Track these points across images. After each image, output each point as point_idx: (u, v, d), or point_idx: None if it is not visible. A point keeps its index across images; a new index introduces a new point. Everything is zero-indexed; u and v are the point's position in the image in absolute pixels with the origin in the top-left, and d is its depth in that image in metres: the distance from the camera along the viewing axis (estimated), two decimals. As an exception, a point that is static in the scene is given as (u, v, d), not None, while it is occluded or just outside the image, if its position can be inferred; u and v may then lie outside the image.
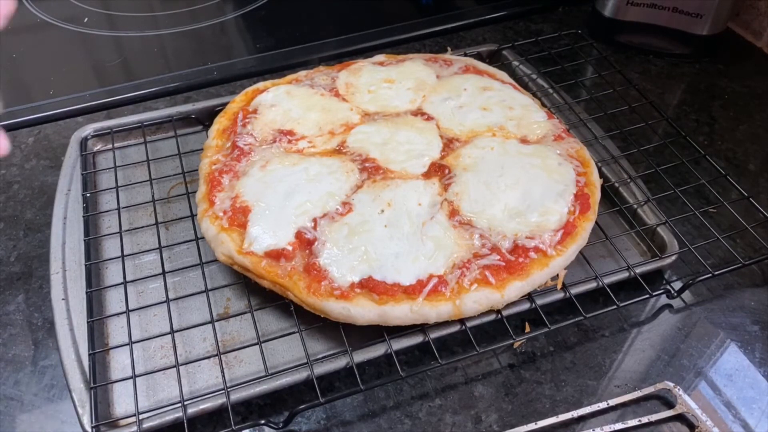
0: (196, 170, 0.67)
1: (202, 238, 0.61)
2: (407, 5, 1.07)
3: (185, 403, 0.50)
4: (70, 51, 0.96)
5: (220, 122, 0.71)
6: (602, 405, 0.53)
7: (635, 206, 0.67)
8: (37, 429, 0.53)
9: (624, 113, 0.79)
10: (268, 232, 0.57)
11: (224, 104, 0.75)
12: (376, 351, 0.54)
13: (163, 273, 0.60)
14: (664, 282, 0.62)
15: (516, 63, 0.87)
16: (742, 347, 0.59)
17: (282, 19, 1.03)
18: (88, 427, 0.49)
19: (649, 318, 0.61)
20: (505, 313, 0.56)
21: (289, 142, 0.68)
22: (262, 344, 0.55)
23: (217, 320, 0.58)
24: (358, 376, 0.52)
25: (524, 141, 0.68)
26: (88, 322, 0.56)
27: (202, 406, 0.50)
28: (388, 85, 0.75)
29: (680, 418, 0.53)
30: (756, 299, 0.62)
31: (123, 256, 0.62)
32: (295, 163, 0.64)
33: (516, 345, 0.58)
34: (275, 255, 0.56)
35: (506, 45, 0.89)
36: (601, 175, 0.69)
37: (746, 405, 0.54)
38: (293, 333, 0.56)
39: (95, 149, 0.76)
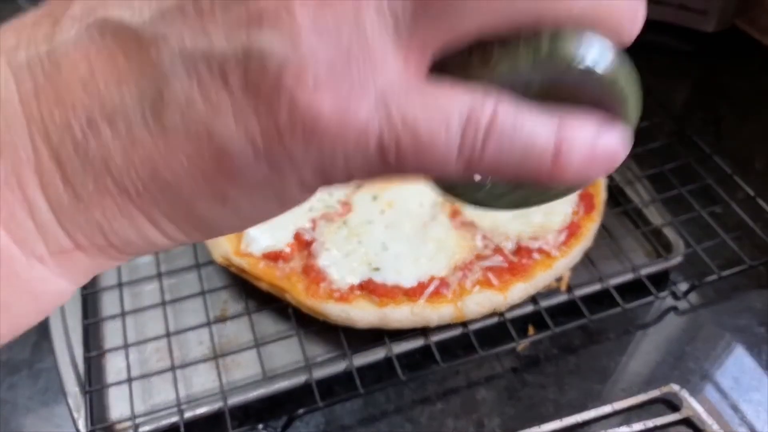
0: (194, 169, 0.67)
1: (199, 238, 0.60)
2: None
3: (182, 407, 0.50)
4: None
5: (218, 121, 0.70)
6: (607, 409, 0.52)
7: (640, 206, 0.66)
8: (31, 433, 0.52)
9: (628, 111, 0.78)
10: (265, 233, 0.57)
11: (222, 102, 0.74)
12: (376, 354, 0.53)
13: (159, 275, 0.59)
14: (670, 283, 0.61)
15: (518, 60, 0.86)
16: (749, 349, 0.58)
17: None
18: (83, 431, 0.49)
19: (655, 320, 0.60)
20: (508, 315, 0.55)
21: (288, 140, 0.67)
22: (260, 347, 0.54)
23: (214, 323, 0.57)
24: (357, 379, 0.51)
25: (527, 140, 0.67)
26: (83, 325, 0.56)
27: (198, 411, 0.50)
28: (389, 83, 0.75)
29: (686, 421, 0.52)
30: (763, 301, 0.61)
31: (119, 257, 0.61)
32: (294, 162, 0.64)
33: (519, 348, 0.57)
34: (273, 256, 0.55)
35: (509, 42, 0.88)
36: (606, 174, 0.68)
37: (753, 408, 0.53)
38: (291, 336, 0.55)
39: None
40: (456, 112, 0.16)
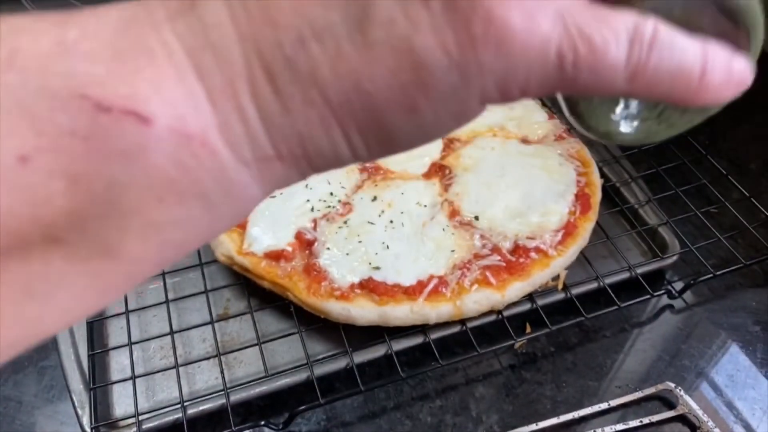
0: (196, 170, 0.67)
1: (202, 238, 0.60)
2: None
3: (185, 404, 0.50)
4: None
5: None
6: (603, 406, 0.53)
7: (636, 206, 0.67)
8: (36, 430, 0.53)
9: (625, 113, 0.79)
10: (267, 233, 0.57)
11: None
12: (377, 352, 0.54)
13: (163, 273, 0.60)
14: (666, 282, 0.62)
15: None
16: (744, 348, 0.58)
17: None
18: (87, 428, 0.49)
19: (650, 318, 0.61)
20: (505, 313, 0.56)
21: (289, 142, 0.68)
22: (262, 345, 0.54)
23: (217, 321, 0.58)
24: (358, 376, 0.52)
25: (525, 141, 0.68)
26: (87, 323, 0.56)
27: (201, 407, 0.50)
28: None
29: (681, 418, 0.53)
30: (757, 299, 0.62)
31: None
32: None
33: (517, 346, 0.58)
34: (275, 255, 0.56)
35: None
36: (602, 175, 0.68)
37: (748, 406, 0.54)
38: (293, 334, 0.56)
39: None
40: (623, 27, 0.18)
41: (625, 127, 0.24)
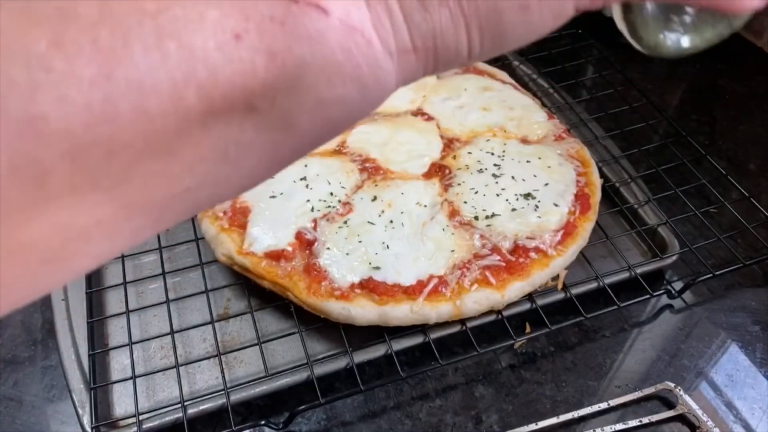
0: (196, 170, 0.67)
1: (202, 238, 0.61)
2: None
3: (185, 403, 0.50)
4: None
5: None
6: (603, 405, 0.53)
7: (636, 206, 0.67)
8: (37, 429, 0.53)
9: (625, 113, 0.79)
10: (268, 233, 0.57)
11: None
12: (377, 351, 0.54)
13: (163, 273, 0.60)
14: (665, 282, 0.62)
15: (516, 63, 0.87)
16: (743, 347, 0.58)
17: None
18: (88, 428, 0.49)
19: (650, 318, 0.61)
20: (505, 313, 0.56)
21: (289, 142, 0.68)
22: (262, 345, 0.55)
23: (217, 321, 0.58)
24: (358, 376, 0.52)
25: (525, 141, 0.68)
26: (87, 323, 0.56)
27: (202, 407, 0.50)
28: (389, 85, 0.75)
29: (681, 418, 0.53)
30: (757, 299, 0.62)
31: (123, 256, 0.61)
32: (296, 163, 0.64)
33: (517, 345, 0.58)
34: (275, 255, 0.56)
35: (507, 45, 0.89)
36: (602, 175, 0.68)
37: (747, 405, 0.54)
38: (293, 333, 0.56)
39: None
40: None
41: (669, 40, 0.29)
